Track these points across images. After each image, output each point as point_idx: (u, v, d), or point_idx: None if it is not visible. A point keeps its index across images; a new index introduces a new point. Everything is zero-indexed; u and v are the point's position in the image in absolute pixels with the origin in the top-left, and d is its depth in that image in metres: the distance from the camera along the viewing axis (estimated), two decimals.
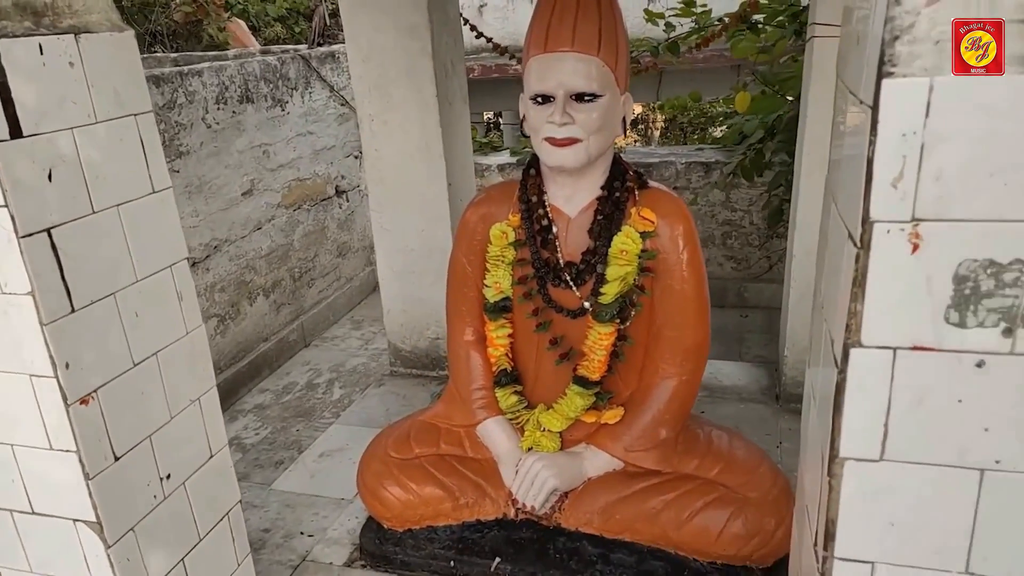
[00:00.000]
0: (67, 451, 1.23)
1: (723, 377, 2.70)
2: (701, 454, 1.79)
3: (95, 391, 1.24)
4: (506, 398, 1.92)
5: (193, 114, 2.74)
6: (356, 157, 3.80)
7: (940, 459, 0.79)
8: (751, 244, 3.35)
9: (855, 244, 0.77)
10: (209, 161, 2.82)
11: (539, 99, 1.68)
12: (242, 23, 5.00)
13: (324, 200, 3.58)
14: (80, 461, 1.23)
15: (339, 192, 3.71)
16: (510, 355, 1.93)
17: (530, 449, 1.87)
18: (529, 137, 1.76)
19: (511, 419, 1.93)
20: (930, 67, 0.69)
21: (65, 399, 1.20)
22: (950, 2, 0.67)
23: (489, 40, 3.28)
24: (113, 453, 1.29)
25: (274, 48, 4.18)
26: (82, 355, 1.22)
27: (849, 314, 0.78)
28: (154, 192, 1.36)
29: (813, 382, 1.02)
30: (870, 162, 0.73)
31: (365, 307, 3.79)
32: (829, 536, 0.86)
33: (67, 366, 1.19)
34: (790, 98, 2.89)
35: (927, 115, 0.70)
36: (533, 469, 1.81)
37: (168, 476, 1.41)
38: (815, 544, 0.91)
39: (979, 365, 0.75)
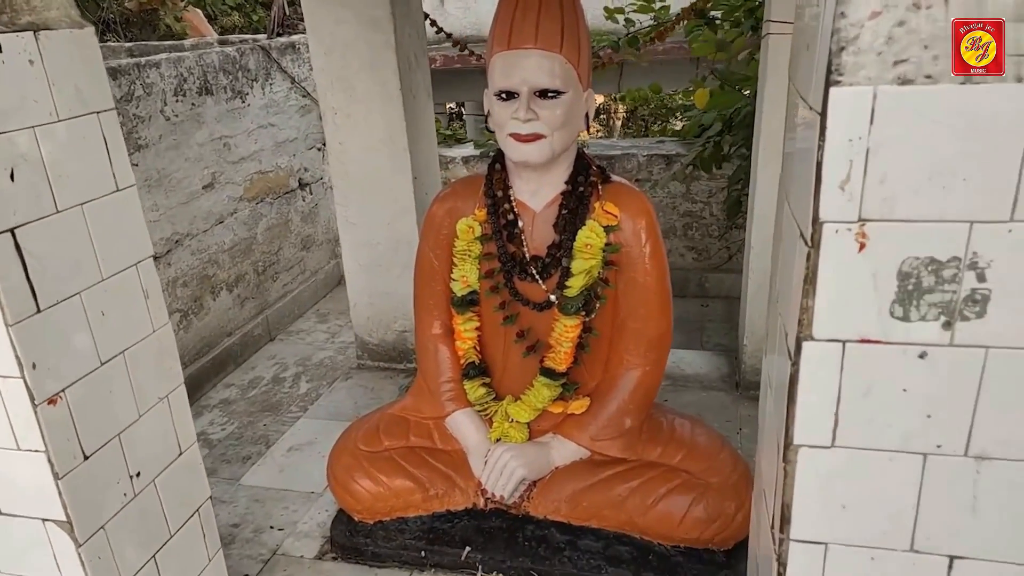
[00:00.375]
0: (35, 451, 1.23)
1: (685, 366, 2.76)
2: (664, 442, 1.84)
3: (63, 391, 1.24)
4: (474, 390, 1.94)
5: (151, 107, 2.70)
6: (319, 149, 3.78)
7: (887, 445, 0.84)
8: (711, 235, 3.42)
9: (806, 243, 0.81)
10: (168, 154, 2.79)
11: (503, 95, 1.70)
12: (199, 12, 4.91)
13: (287, 193, 3.56)
14: (49, 461, 1.23)
15: (302, 184, 3.68)
16: (478, 348, 1.95)
17: (498, 440, 1.90)
18: (493, 132, 1.78)
19: (479, 411, 1.96)
20: (874, 76, 0.73)
21: (32, 399, 1.19)
22: (891, 15, 0.71)
23: (449, 35, 3.28)
24: (82, 452, 1.28)
25: (232, 38, 4.12)
26: (49, 355, 1.21)
27: (801, 309, 0.82)
28: (118, 190, 1.35)
29: (769, 372, 1.06)
30: (819, 165, 0.77)
31: (330, 300, 3.78)
32: (785, 519, 0.90)
33: (34, 366, 1.18)
34: (747, 93, 2.95)
35: (871, 122, 0.74)
36: (502, 459, 1.84)
37: (138, 474, 1.41)
38: (772, 527, 0.95)
39: (921, 356, 0.80)
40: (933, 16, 0.70)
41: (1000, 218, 0.74)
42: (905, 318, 0.80)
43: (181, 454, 1.54)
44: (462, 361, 1.96)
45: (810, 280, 0.81)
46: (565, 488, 1.85)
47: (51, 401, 1.22)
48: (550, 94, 1.67)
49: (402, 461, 1.94)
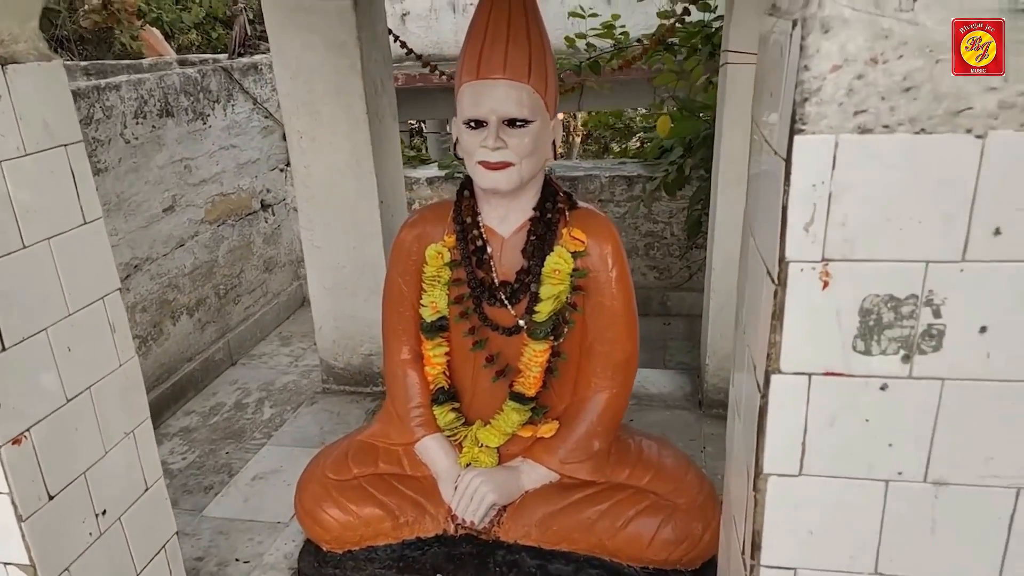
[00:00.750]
0: None
1: (649, 385, 2.81)
2: (632, 463, 1.87)
3: (28, 430, 1.22)
4: (444, 415, 1.95)
5: (111, 129, 2.66)
6: (281, 170, 3.76)
7: (851, 472, 0.88)
8: (672, 255, 3.49)
9: (773, 281, 0.85)
10: (128, 177, 2.75)
11: (472, 124, 1.72)
12: (156, 32, 4.83)
13: (249, 215, 3.52)
14: (13, 503, 1.20)
15: (264, 206, 3.65)
16: (447, 373, 1.96)
17: (468, 465, 1.91)
18: (461, 158, 1.80)
19: (449, 436, 1.96)
20: (835, 125, 0.78)
21: None
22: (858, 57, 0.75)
23: (418, 57, 3.31)
24: (47, 492, 1.26)
25: (192, 58, 4.08)
26: (14, 394, 1.19)
27: (770, 344, 0.86)
28: (85, 223, 1.33)
29: (737, 399, 1.10)
30: (785, 209, 0.81)
31: (293, 323, 3.74)
32: (756, 546, 0.94)
33: None
34: (705, 118, 3.04)
35: (833, 168, 0.79)
36: (472, 485, 1.85)
37: (104, 512, 1.39)
38: (743, 553, 0.98)
39: (883, 388, 0.84)
40: (889, 70, 0.75)
41: (953, 258, 0.79)
42: (867, 352, 0.84)
43: (147, 489, 1.51)
44: (432, 386, 1.97)
45: (777, 316, 0.85)
46: (535, 512, 1.86)
47: (15, 441, 1.20)
48: (518, 123, 1.70)
49: (371, 489, 1.93)
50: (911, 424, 0.85)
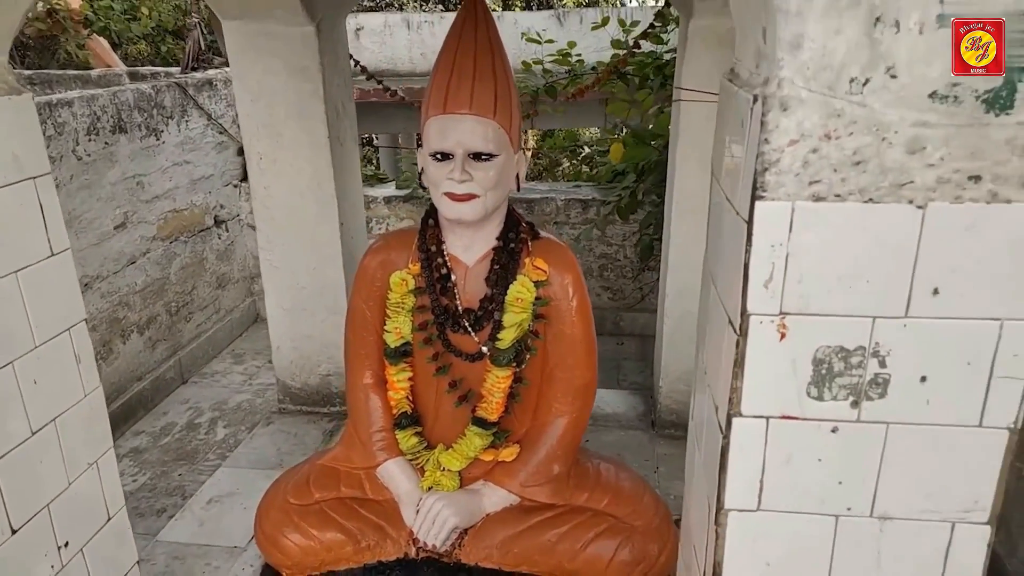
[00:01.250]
0: None
1: (604, 405, 2.88)
2: (591, 487, 1.93)
3: None
4: (406, 439, 1.97)
5: (63, 146, 2.61)
6: (235, 186, 3.72)
7: (804, 508, 0.95)
8: (625, 276, 3.58)
9: (735, 331, 0.91)
10: (80, 194, 2.70)
11: (439, 156, 1.76)
12: (103, 41, 4.73)
13: (202, 231, 3.48)
14: None
15: (218, 222, 3.61)
16: (410, 398, 1.99)
17: (430, 488, 1.93)
18: (425, 187, 1.84)
19: (411, 459, 1.99)
20: (792, 193, 0.85)
21: None
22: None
23: (372, 76, 3.33)
24: (10, 526, 1.25)
25: (143, 70, 4.01)
26: None
27: (731, 389, 0.93)
28: (53, 254, 1.33)
29: (698, 433, 1.17)
30: (747, 266, 0.88)
31: (246, 340, 3.70)
32: None
33: None
34: (657, 147, 3.14)
35: (790, 231, 0.86)
36: (434, 508, 1.88)
37: (66, 544, 1.38)
38: None
39: (833, 431, 0.92)
40: (841, 146, 0.82)
41: (897, 314, 0.87)
42: (819, 398, 0.91)
43: (109, 519, 1.50)
44: (395, 411, 1.99)
45: (739, 364, 0.91)
46: (496, 535, 1.89)
47: None
48: (483, 156, 1.75)
49: (333, 513, 1.94)
50: (859, 463, 0.93)
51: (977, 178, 0.81)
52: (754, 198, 0.85)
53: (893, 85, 0.80)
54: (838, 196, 0.84)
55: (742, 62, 0.98)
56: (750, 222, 0.86)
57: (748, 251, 0.87)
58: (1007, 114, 0.78)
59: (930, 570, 0.96)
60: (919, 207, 0.83)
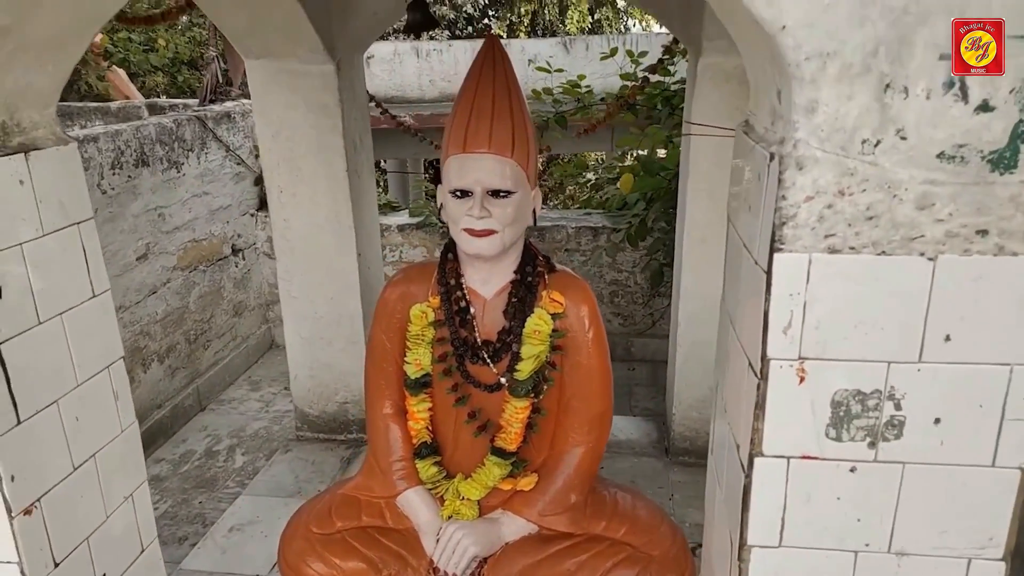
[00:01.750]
0: (8, 562, 1.23)
1: (617, 432, 2.91)
2: (608, 516, 1.96)
3: (38, 500, 1.25)
4: (426, 469, 2.01)
5: (89, 181, 2.67)
6: (252, 215, 3.79)
7: (824, 544, 0.99)
8: (636, 302, 3.63)
9: (756, 375, 0.96)
10: (104, 227, 2.76)
11: (458, 193, 1.82)
12: (122, 72, 4.84)
13: (220, 260, 3.55)
14: (22, 572, 1.23)
15: (235, 251, 3.68)
16: (430, 428, 2.03)
17: (450, 517, 1.97)
18: (445, 223, 1.90)
19: (430, 489, 2.02)
20: (809, 245, 0.90)
21: (9, 511, 1.20)
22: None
23: (394, 117, 3.42)
24: (53, 560, 1.29)
25: (161, 102, 4.11)
26: (26, 466, 1.22)
27: (753, 430, 0.97)
28: (94, 296, 1.39)
29: (719, 471, 1.21)
30: (766, 314, 0.92)
31: (262, 366, 3.75)
32: None
33: (12, 479, 1.20)
34: (666, 177, 3.20)
35: (807, 281, 0.91)
36: (454, 538, 1.91)
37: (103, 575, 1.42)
38: None
39: (852, 470, 0.96)
40: (854, 202, 0.88)
41: (911, 359, 0.91)
42: (838, 439, 0.95)
43: (143, 551, 1.54)
44: (415, 440, 2.03)
45: (760, 406, 0.96)
46: (515, 564, 1.92)
47: (27, 511, 1.23)
48: (502, 194, 1.80)
49: (354, 542, 1.97)
50: (877, 502, 0.97)
51: (984, 232, 0.86)
52: (772, 250, 0.90)
53: (903, 146, 0.85)
54: (852, 248, 0.89)
55: (757, 116, 1.04)
56: (769, 272, 0.91)
57: (768, 299, 0.92)
58: (1011, 173, 0.83)
59: None
60: (930, 259, 0.88)
